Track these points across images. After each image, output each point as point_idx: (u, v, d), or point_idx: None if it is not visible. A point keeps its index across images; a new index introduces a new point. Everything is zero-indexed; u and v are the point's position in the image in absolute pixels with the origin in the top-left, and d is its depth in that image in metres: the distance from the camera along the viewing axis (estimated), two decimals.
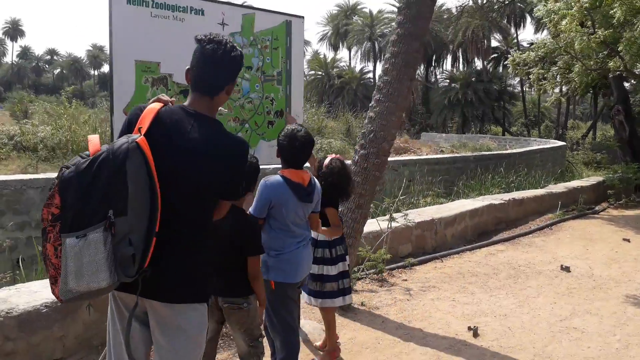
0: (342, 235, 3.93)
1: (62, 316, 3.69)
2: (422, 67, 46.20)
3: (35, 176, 8.77)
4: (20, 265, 6.13)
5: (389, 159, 5.06)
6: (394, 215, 6.42)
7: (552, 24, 8.81)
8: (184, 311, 2.13)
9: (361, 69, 49.37)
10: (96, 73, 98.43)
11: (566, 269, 6.49)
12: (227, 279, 2.89)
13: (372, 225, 6.41)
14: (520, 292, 5.65)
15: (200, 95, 2.20)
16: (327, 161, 3.76)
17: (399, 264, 6.59)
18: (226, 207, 2.30)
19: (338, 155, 3.85)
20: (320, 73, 48.91)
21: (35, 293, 3.79)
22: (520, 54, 11.46)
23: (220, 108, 2.41)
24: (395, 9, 44.62)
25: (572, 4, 9.04)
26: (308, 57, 55.33)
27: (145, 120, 2.10)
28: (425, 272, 6.46)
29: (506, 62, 17.66)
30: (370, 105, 4.84)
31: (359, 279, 5.81)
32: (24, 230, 8.37)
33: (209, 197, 2.17)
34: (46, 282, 3.98)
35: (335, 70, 46.95)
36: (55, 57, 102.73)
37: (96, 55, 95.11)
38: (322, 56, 51.96)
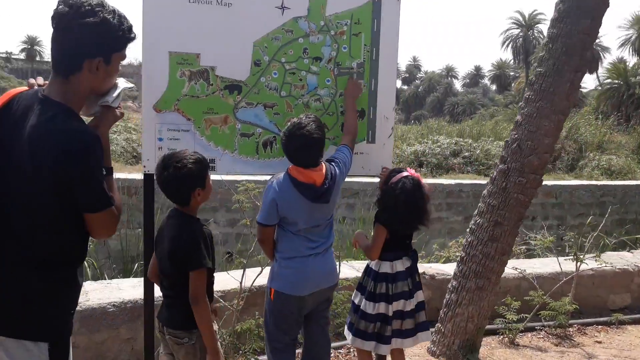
0: (398, 272, 3.03)
1: (130, 318, 3.63)
2: None
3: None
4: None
5: None
6: (583, 255, 4.84)
7: None
8: (10, 346, 1.72)
9: None
10: None
11: None
12: (168, 305, 2.43)
13: (553, 264, 4.96)
14: None
15: (55, 76, 1.75)
16: (397, 177, 2.94)
17: (602, 319, 4.97)
18: (99, 222, 1.79)
19: (416, 174, 2.98)
20: (616, 82, 42.54)
21: (120, 291, 3.82)
22: None
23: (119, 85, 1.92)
24: None
25: None
26: (607, 65, 48.84)
27: None
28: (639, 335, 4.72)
29: None
30: (519, 106, 3.67)
31: (524, 331, 4.51)
32: (234, 227, 9.03)
33: (49, 206, 1.71)
34: (137, 281, 3.99)
35: (637, 77, 40.16)
36: None
37: None
38: (621, 64, 45.09)
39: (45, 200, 1.68)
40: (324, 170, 2.69)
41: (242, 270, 3.44)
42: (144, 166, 2.96)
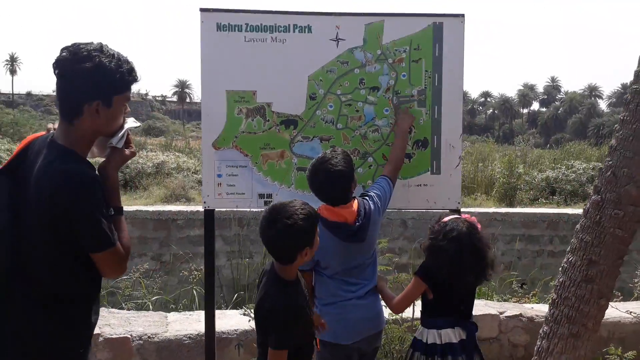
0: (448, 345, 2.47)
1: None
2: None
3: None
4: None
5: None
6: None
7: None
8: None
9: None
10: (525, 111, 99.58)
11: None
12: None
13: None
14: None
15: (61, 120, 1.84)
16: (447, 218, 2.53)
17: None
18: (103, 262, 1.82)
19: (472, 218, 2.56)
20: None
21: (199, 323, 3.92)
22: None
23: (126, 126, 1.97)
24: None
25: None
26: None
27: (16, 151, 1.89)
28: None
29: None
30: (614, 128, 3.25)
31: None
32: None
33: (52, 245, 1.77)
34: (219, 313, 4.07)
35: None
36: (488, 99, 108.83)
37: (526, 94, 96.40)
38: None
39: (48, 239, 1.75)
40: (355, 207, 2.51)
41: None
42: (204, 202, 3.04)
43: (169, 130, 46.06)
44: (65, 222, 1.72)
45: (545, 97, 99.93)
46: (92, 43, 1.81)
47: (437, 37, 3.00)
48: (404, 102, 3.02)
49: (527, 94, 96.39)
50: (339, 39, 2.99)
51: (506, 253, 9.19)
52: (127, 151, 1.99)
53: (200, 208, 3.11)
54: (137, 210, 8.56)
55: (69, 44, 1.81)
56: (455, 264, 2.38)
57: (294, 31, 2.99)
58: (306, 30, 2.99)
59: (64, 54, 1.78)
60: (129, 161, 2.12)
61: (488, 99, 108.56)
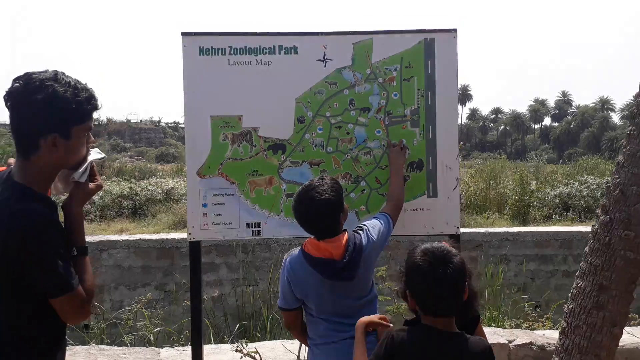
0: None
1: None
2: None
3: None
4: None
5: None
6: None
7: None
8: None
9: None
10: (537, 127, 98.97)
11: None
12: None
13: None
14: None
15: (17, 155, 1.70)
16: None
17: None
18: (62, 308, 1.66)
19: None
20: None
21: None
22: None
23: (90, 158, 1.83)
24: None
25: None
26: None
27: None
28: None
29: None
30: (620, 143, 3.07)
31: None
32: None
33: (6, 291, 1.63)
34: (212, 348, 3.90)
35: None
36: (499, 115, 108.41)
37: (537, 109, 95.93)
38: None
39: (3, 282, 1.61)
40: (344, 241, 2.25)
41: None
42: (189, 233, 2.90)
43: (182, 156, 46.19)
44: (20, 265, 1.58)
45: (557, 111, 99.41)
46: (46, 71, 1.67)
47: (428, 53, 2.87)
48: (396, 123, 2.88)
49: (538, 109, 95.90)
50: (327, 59, 2.87)
51: (519, 274, 8.90)
52: (91, 185, 1.85)
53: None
54: (140, 239, 8.42)
55: (22, 74, 1.68)
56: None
57: (279, 53, 2.87)
58: (292, 51, 2.87)
59: (16, 85, 1.64)
60: (101, 192, 1.97)
61: (499, 115, 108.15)
